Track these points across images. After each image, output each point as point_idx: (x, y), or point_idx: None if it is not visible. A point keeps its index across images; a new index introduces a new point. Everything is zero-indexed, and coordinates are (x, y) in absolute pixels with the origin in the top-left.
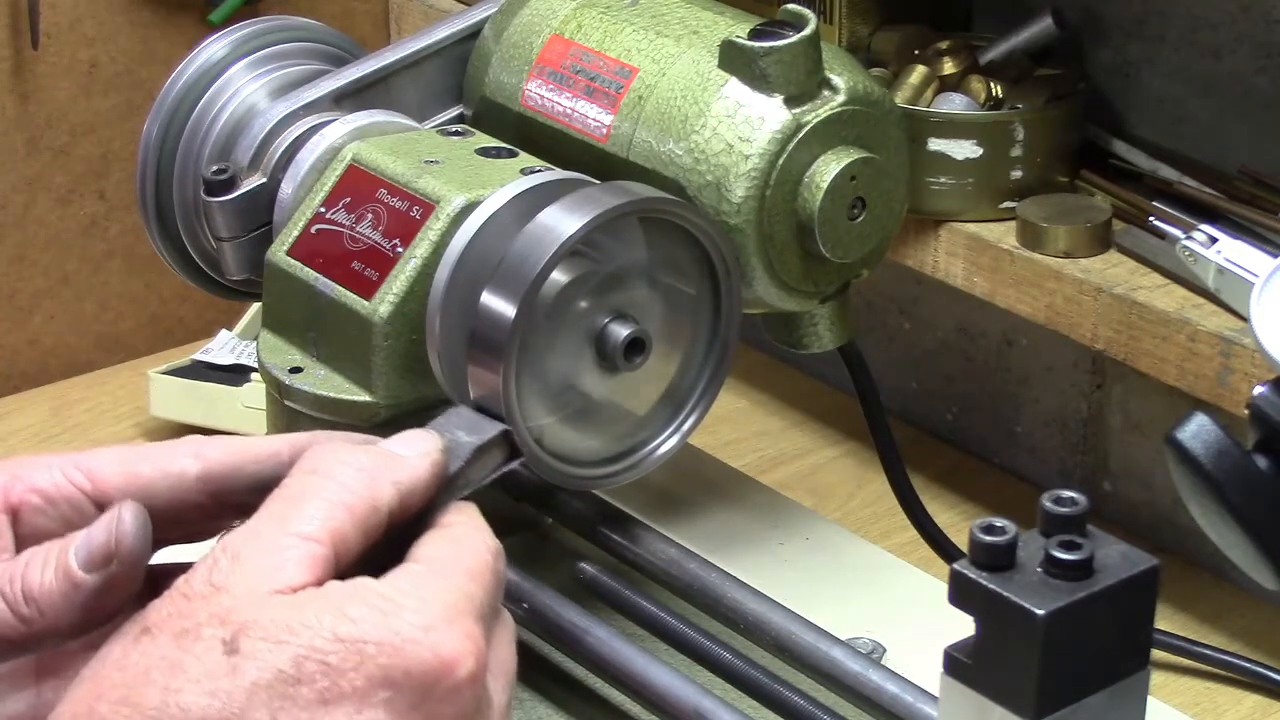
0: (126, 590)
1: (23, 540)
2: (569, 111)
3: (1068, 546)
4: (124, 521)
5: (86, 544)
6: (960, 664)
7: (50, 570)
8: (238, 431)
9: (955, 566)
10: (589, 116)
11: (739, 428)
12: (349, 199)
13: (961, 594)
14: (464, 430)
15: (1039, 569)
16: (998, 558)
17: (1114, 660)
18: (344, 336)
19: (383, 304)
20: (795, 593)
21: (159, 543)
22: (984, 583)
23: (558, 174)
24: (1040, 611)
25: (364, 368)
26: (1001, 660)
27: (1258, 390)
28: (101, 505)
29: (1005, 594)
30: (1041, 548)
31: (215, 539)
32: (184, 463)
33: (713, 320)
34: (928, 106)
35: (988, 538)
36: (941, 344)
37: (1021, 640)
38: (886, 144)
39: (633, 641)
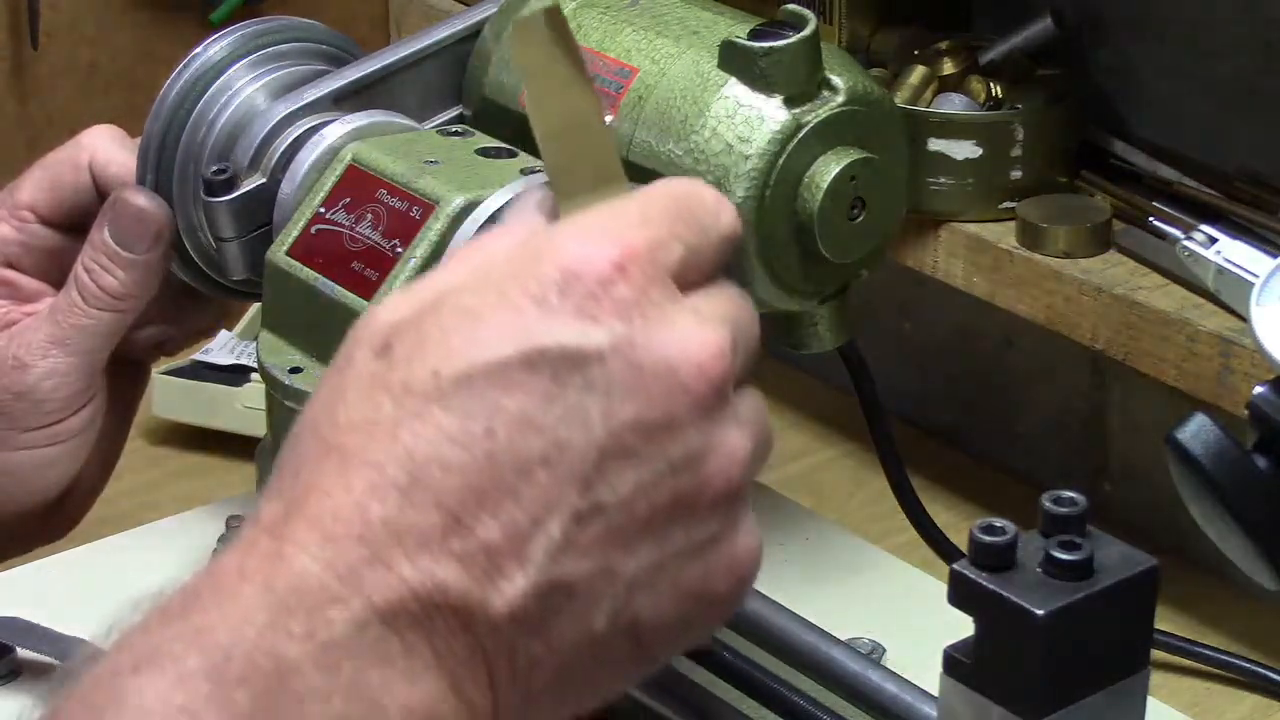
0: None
1: None
2: None
3: (1067, 547)
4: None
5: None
6: (960, 664)
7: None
8: (238, 432)
9: (955, 567)
10: None
11: None
12: (349, 199)
13: (961, 594)
14: None
15: (1039, 569)
16: (997, 558)
17: (1114, 660)
18: (344, 337)
19: None
20: (795, 593)
21: None
22: (984, 583)
23: None
24: (1040, 611)
25: None
26: (1001, 660)
27: (1258, 390)
28: None
29: (1005, 594)
30: (1041, 548)
31: None
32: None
33: None
34: (928, 107)
35: (987, 538)
36: (941, 344)
37: (1021, 640)
38: (886, 144)
39: None
